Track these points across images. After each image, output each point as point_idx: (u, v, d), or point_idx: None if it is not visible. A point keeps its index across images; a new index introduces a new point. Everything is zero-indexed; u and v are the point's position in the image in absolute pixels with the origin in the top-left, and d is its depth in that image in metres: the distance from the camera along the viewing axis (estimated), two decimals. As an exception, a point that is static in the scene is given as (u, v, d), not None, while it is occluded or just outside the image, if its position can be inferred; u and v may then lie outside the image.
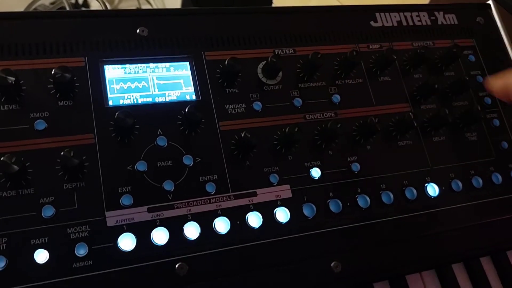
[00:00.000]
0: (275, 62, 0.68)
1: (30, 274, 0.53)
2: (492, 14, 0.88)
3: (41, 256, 0.54)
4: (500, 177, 0.75)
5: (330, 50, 0.74)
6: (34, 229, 0.54)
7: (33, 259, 0.53)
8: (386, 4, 0.81)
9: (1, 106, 0.58)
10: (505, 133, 0.79)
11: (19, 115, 0.58)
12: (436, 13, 0.84)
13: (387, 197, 0.69)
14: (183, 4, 2.55)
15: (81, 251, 0.55)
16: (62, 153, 0.55)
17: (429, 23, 0.83)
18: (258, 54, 0.70)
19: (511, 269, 0.74)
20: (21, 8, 1.33)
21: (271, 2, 2.15)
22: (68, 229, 0.55)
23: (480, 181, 0.74)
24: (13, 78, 0.56)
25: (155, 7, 1.97)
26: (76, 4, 2.38)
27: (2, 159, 0.53)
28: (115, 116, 0.58)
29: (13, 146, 0.57)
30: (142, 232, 0.57)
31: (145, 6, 1.97)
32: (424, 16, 0.83)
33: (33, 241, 0.54)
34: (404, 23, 0.81)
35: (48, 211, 0.55)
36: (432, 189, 0.71)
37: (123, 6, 2.02)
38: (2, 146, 0.56)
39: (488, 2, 0.88)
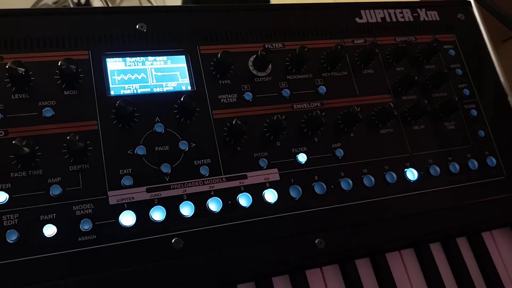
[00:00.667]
0: (265, 55, 0.73)
1: (39, 246, 0.58)
2: (473, 11, 0.93)
3: (49, 230, 0.59)
4: (476, 163, 0.80)
5: (317, 45, 0.79)
6: (43, 206, 0.60)
7: (42, 233, 0.59)
8: (371, 2, 0.86)
9: (12, 95, 0.63)
10: (482, 122, 0.84)
11: (28, 103, 0.64)
12: (418, 10, 0.89)
13: (369, 180, 0.74)
14: (183, 2, 2.60)
15: (86, 226, 0.60)
16: (68, 137, 0.60)
17: (411, 19, 0.88)
18: (249, 48, 0.76)
19: (485, 249, 0.80)
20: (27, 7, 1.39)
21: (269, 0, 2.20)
22: (73, 207, 0.61)
23: (457, 166, 0.79)
24: (23, 69, 0.62)
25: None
26: (78, 4, 2.43)
27: (14, 142, 0.58)
28: (116, 104, 0.64)
29: (23, 131, 0.62)
30: (141, 210, 0.63)
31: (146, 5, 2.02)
32: (407, 12, 0.88)
33: (42, 217, 0.59)
34: (388, 20, 0.86)
35: (55, 190, 0.61)
36: (411, 174, 0.77)
37: (125, 5, 2.08)
38: (13, 132, 0.62)
39: (469, -1, 0.94)
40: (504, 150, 0.83)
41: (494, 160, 0.82)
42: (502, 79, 0.89)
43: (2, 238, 0.57)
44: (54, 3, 2.51)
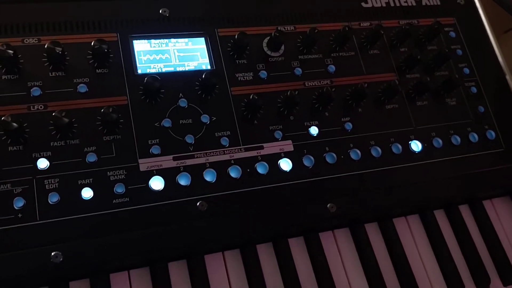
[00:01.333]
0: (278, 36, 0.79)
1: (78, 207, 0.64)
2: (472, -5, 0.99)
3: (87, 193, 0.65)
4: (476, 136, 0.86)
5: (326, 27, 0.85)
6: (80, 172, 0.66)
7: (80, 195, 0.65)
8: (375, -13, 0.92)
9: (50, 73, 0.70)
10: (482, 99, 0.90)
11: (65, 80, 0.70)
12: (421, -6, 0.95)
13: (376, 151, 0.80)
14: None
15: (119, 190, 0.66)
16: (102, 110, 0.67)
17: (414, 4, 0.94)
18: (263, 31, 0.82)
19: (486, 216, 0.85)
20: None
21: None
22: (108, 172, 0.67)
23: (459, 139, 0.85)
24: (60, 48, 0.68)
25: None
26: None
27: (54, 113, 0.65)
28: (145, 81, 0.70)
29: (60, 105, 0.68)
30: (169, 176, 0.69)
31: None
32: (410, -3, 0.94)
33: (79, 181, 0.65)
34: (392, 4, 0.92)
35: (91, 158, 0.67)
36: (416, 145, 0.82)
37: None
38: (51, 105, 0.68)
39: (468, -15, 0.99)
40: (503, 124, 0.89)
41: (493, 134, 0.87)
42: (500, 59, 0.94)
43: (44, 199, 0.63)
44: None
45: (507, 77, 0.93)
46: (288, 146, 0.76)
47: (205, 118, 0.74)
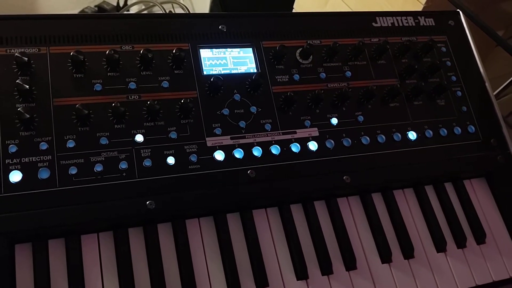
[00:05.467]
0: (308, 48, 1.03)
1: (164, 170, 0.88)
2: (460, 18, 1.23)
3: (171, 160, 0.89)
4: (460, 130, 1.10)
5: (344, 42, 1.09)
6: (165, 145, 0.90)
7: (166, 162, 0.89)
8: (383, 11, 1.17)
9: (141, 72, 0.94)
10: (465, 101, 1.14)
11: (152, 78, 0.94)
12: (419, 17, 1.19)
13: (381, 138, 1.04)
14: (211, 6, 2.92)
15: (193, 159, 0.90)
16: (182, 101, 0.91)
17: (413, 24, 1.18)
18: (297, 44, 1.06)
19: (466, 192, 1.09)
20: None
21: (292, 4, 2.51)
22: (185, 146, 0.91)
23: (446, 131, 1.09)
24: (151, 54, 0.92)
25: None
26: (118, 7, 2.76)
27: (148, 103, 0.89)
28: (211, 80, 0.94)
29: (150, 96, 0.92)
30: (227, 150, 0.93)
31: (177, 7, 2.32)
32: (410, 19, 1.18)
33: (165, 151, 0.89)
34: (396, 24, 1.16)
35: (173, 135, 0.91)
36: (412, 135, 1.06)
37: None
38: (144, 96, 0.92)
39: (458, 10, 1.24)
40: (481, 121, 1.13)
41: (473, 128, 1.11)
42: (481, 69, 1.18)
43: (141, 163, 0.87)
44: (96, 5, 2.86)
45: (487, 84, 1.17)
46: (315, 132, 1.00)
47: (253, 109, 0.98)
